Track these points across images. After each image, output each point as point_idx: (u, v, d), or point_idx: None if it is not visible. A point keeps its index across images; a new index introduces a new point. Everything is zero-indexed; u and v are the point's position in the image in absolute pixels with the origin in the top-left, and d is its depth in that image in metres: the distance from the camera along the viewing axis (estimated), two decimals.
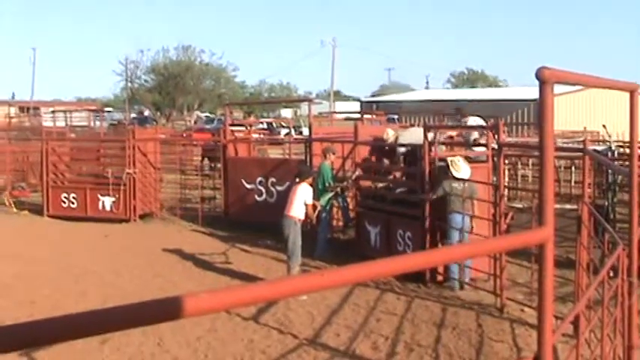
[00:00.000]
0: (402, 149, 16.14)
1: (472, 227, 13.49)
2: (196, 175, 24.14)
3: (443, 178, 13.78)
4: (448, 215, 13.66)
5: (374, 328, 11.63)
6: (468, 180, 13.60)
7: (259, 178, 19.32)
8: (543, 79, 3.20)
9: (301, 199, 14.30)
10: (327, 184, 16.64)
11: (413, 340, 11.01)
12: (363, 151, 17.05)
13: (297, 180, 14.75)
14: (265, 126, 46.25)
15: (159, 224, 21.20)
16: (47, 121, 45.70)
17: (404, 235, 14.65)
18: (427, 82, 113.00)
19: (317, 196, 15.76)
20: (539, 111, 3.24)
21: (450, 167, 13.65)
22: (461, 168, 13.64)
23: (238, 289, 2.59)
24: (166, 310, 2.40)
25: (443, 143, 14.80)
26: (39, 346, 2.10)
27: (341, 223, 18.08)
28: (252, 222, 18.78)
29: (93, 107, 67.61)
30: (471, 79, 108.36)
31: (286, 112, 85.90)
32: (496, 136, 13.47)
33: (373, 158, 17.37)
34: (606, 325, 6.27)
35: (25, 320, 2.02)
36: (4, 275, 15.06)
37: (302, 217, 14.33)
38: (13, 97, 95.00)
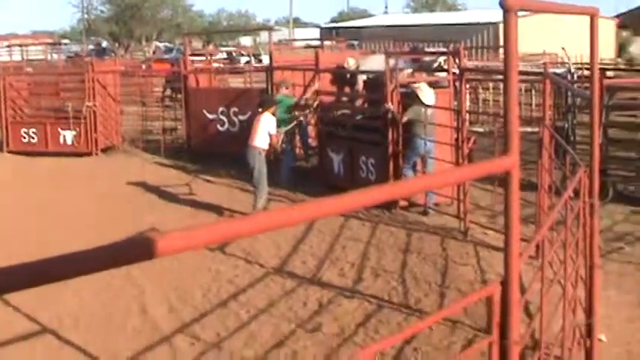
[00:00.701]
0: (363, 76, 16.11)
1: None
2: (157, 106, 23.95)
3: (411, 103, 13.76)
4: (412, 139, 13.70)
5: (340, 255, 11.76)
6: (431, 106, 13.63)
7: (221, 108, 19.21)
8: (507, 7, 3.21)
9: (265, 130, 14.34)
10: (287, 115, 16.56)
11: (379, 265, 11.15)
12: (325, 79, 17.00)
13: (260, 110, 14.75)
14: (225, 55, 45.85)
15: (121, 157, 21.07)
16: (3, 56, 44.92)
17: (367, 161, 14.69)
18: (386, 7, 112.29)
19: (278, 126, 15.70)
20: (503, 39, 3.26)
21: (417, 94, 13.63)
22: (426, 94, 13.65)
23: (211, 226, 2.61)
24: (139, 251, 2.42)
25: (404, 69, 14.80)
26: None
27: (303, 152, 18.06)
28: (215, 152, 18.71)
29: (49, 40, 66.59)
30: (430, 3, 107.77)
31: (245, 41, 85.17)
32: (457, 61, 13.49)
33: (334, 87, 17.32)
34: (569, 246, 6.38)
35: None
36: None
37: (266, 147, 14.36)
38: None
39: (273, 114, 14.76)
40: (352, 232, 12.73)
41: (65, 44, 62.47)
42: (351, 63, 16.96)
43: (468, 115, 14.34)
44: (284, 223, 2.85)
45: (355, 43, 45.49)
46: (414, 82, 14.06)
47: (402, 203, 13.69)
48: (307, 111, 17.09)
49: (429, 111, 13.59)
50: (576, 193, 6.78)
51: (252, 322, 9.78)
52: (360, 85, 16.42)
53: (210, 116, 19.52)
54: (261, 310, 10.06)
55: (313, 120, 17.22)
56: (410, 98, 13.85)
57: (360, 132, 15.14)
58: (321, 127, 16.66)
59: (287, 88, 17.10)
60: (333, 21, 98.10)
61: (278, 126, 15.22)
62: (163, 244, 2.41)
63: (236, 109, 18.92)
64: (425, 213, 13.48)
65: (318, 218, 2.51)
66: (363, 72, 16.23)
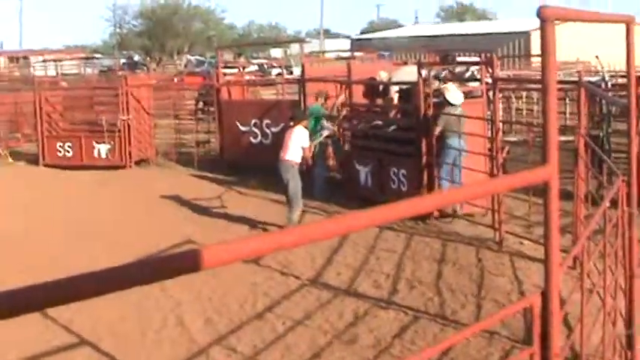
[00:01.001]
0: (396, 87, 16.06)
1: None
2: (190, 119, 24.07)
3: (440, 111, 13.76)
4: (444, 148, 13.68)
5: (374, 266, 11.74)
6: (460, 115, 13.61)
7: (254, 120, 19.28)
8: (544, 17, 3.21)
9: (297, 143, 14.28)
10: (318, 126, 16.57)
11: (414, 276, 11.13)
12: (357, 91, 16.97)
13: (292, 123, 14.75)
14: (257, 67, 46.01)
15: (155, 170, 21.19)
16: (38, 71, 45.38)
17: (398, 173, 14.66)
18: (416, 18, 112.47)
19: (311, 136, 15.72)
20: (541, 50, 3.25)
21: (445, 94, 13.65)
22: (453, 94, 13.64)
23: (254, 239, 2.63)
24: (185, 263, 2.44)
25: (437, 78, 14.76)
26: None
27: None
28: (248, 164, 18.76)
29: (82, 55, 67.16)
30: (460, 13, 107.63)
31: (276, 53, 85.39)
32: (490, 71, 13.45)
33: (367, 99, 17.27)
34: (607, 256, 6.34)
35: (30, 280, 2.05)
36: (6, 226, 15.10)
37: (299, 160, 14.35)
38: (1, 47, 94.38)
39: (306, 127, 14.70)
40: (387, 243, 12.71)
41: (98, 58, 62.90)
42: (382, 76, 16.93)
43: (501, 124, 14.29)
44: (324, 235, 2.86)
45: (386, 53, 45.49)
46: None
47: (435, 213, 13.65)
48: (334, 122, 17.09)
49: (461, 119, 13.57)
50: (613, 202, 6.75)
51: (288, 334, 9.79)
52: (393, 97, 16.37)
53: (243, 128, 19.59)
54: (297, 321, 10.07)
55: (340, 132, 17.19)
56: (440, 106, 13.85)
57: (391, 143, 15.12)
58: (347, 139, 16.69)
59: (326, 99, 17.14)
60: (363, 32, 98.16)
61: (311, 136, 15.24)
62: (208, 257, 2.43)
63: (268, 121, 18.97)
64: (454, 212, 13.47)
65: (356, 231, 2.52)
66: (395, 83, 16.20)
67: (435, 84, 14.46)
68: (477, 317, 9.56)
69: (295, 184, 14.12)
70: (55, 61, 47.06)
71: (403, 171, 14.57)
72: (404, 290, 10.69)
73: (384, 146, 15.22)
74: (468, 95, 14.22)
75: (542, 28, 3.20)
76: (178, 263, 2.46)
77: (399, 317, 9.89)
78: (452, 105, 13.63)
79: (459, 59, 16.77)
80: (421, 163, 14.06)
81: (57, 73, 42.60)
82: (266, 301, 10.80)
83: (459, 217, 13.52)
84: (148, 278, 2.47)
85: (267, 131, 19.00)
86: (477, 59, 15.96)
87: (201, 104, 26.64)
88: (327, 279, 11.44)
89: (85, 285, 2.29)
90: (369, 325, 9.77)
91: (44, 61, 48.15)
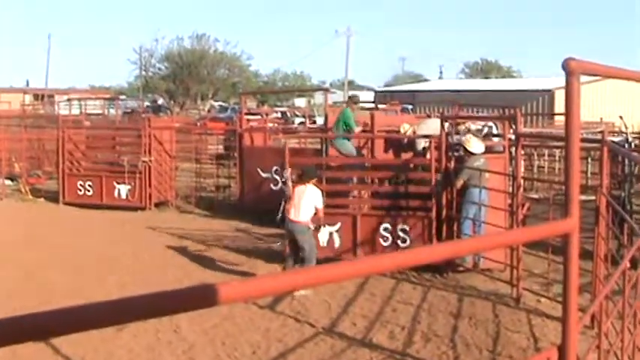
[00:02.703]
0: (423, 142, 15.83)
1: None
2: (211, 163, 24.17)
3: (463, 165, 13.76)
4: (466, 191, 13.65)
5: (390, 317, 11.66)
6: (482, 168, 13.59)
7: (275, 167, 19.33)
8: (570, 70, 3.19)
9: (311, 203, 13.51)
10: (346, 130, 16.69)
11: (430, 330, 11.04)
12: (381, 143, 16.95)
13: (301, 181, 13.87)
14: (279, 115, 46.26)
15: (174, 212, 21.26)
16: (62, 109, 45.81)
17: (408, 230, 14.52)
18: (441, 72, 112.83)
19: (337, 142, 15.91)
20: (565, 101, 3.24)
21: (465, 145, 13.65)
22: (474, 144, 13.64)
23: (269, 277, 2.62)
24: (202, 297, 2.42)
25: (458, 133, 14.77)
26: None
27: None
28: (268, 210, 18.76)
29: (107, 95, 67.81)
30: (485, 70, 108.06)
31: (300, 102, 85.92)
32: (513, 127, 13.45)
33: (391, 153, 17.17)
34: (626, 316, 6.27)
35: (44, 308, 2.04)
36: (24, 261, 15.15)
37: (310, 220, 13.60)
38: (27, 85, 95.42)
39: (317, 185, 13.85)
40: (403, 295, 12.64)
41: (122, 100, 63.45)
42: (406, 128, 16.94)
43: (522, 180, 14.26)
44: (340, 277, 2.84)
45: (410, 107, 45.70)
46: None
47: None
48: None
49: (483, 162, 13.55)
50: (633, 263, 6.69)
51: None
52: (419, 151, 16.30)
53: (263, 175, 19.64)
54: None
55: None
56: (461, 159, 13.87)
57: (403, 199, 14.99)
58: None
59: (356, 104, 17.26)
60: (387, 85, 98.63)
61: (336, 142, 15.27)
62: (225, 292, 2.41)
63: (290, 169, 18.99)
64: (475, 265, 13.42)
65: (373, 274, 2.50)
66: (419, 136, 16.18)
67: (457, 137, 14.48)
68: None
69: (311, 247, 13.39)
70: (79, 100, 47.49)
71: (418, 227, 14.46)
72: (419, 343, 10.60)
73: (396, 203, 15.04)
74: (489, 150, 14.21)
75: (568, 81, 3.19)
76: (196, 296, 2.45)
77: None
78: (473, 155, 13.60)
79: (480, 115, 16.77)
80: (440, 218, 14.05)
81: (81, 113, 43.00)
82: (279, 348, 10.72)
83: (477, 272, 13.45)
84: (168, 309, 2.46)
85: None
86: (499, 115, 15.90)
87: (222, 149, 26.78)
88: (342, 328, 11.37)
89: (105, 313, 2.28)
90: None
91: (69, 100, 48.63)
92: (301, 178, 13.96)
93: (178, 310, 2.48)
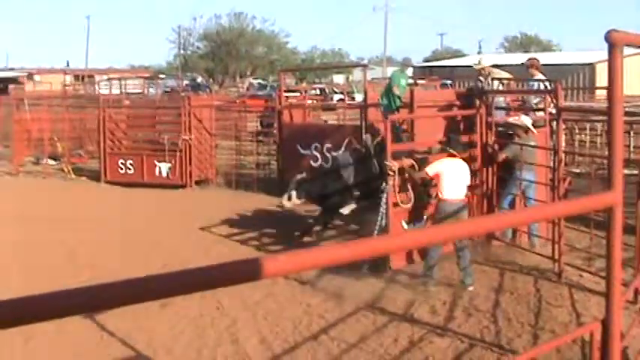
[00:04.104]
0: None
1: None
2: (251, 141, 24.25)
3: (508, 141, 13.61)
4: (508, 178, 13.55)
5: (432, 292, 11.66)
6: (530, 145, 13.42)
7: (314, 144, 19.32)
8: (613, 42, 3.17)
9: (466, 179, 12.28)
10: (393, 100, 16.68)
11: (471, 304, 11.04)
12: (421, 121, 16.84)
13: (447, 153, 12.28)
14: (318, 92, 46.23)
15: (214, 190, 21.35)
16: (103, 89, 46.12)
17: None
18: (480, 47, 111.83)
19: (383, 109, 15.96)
20: (608, 74, 3.22)
21: (516, 124, 13.42)
22: (525, 122, 13.44)
23: (317, 250, 2.65)
24: (249, 271, 2.46)
25: (501, 108, 14.66)
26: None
27: None
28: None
29: (147, 74, 68.14)
30: (525, 44, 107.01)
31: (338, 78, 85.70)
32: (555, 101, 13.34)
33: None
34: None
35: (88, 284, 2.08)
36: (67, 240, 15.34)
37: None
38: (67, 66, 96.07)
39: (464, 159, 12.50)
40: (445, 270, 12.61)
41: (162, 79, 63.71)
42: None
43: (564, 155, 14.15)
44: (386, 249, 2.86)
45: (449, 82, 45.39)
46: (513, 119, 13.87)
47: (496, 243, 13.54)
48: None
49: (529, 149, 13.38)
50: None
51: (342, 357, 9.77)
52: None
53: (303, 151, 19.64)
54: (351, 345, 10.03)
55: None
56: (507, 136, 13.75)
57: None
58: None
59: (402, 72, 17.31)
60: (426, 60, 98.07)
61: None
62: (271, 266, 2.45)
63: (329, 145, 19.00)
64: (532, 245, 13.34)
65: (418, 247, 2.48)
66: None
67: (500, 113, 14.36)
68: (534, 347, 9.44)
69: None
70: (119, 79, 47.81)
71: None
72: (460, 317, 10.61)
73: None
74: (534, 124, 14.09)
75: (610, 54, 3.17)
76: (243, 269, 2.48)
77: (455, 344, 9.82)
78: (525, 133, 13.38)
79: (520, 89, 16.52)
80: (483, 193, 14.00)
81: (121, 92, 43.30)
82: (321, 323, 10.79)
83: (517, 247, 13.39)
84: (215, 282, 2.50)
85: (328, 155, 19.01)
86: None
87: (258, 126, 26.87)
88: (383, 304, 11.38)
89: (152, 287, 2.33)
90: (424, 351, 9.71)
91: (109, 79, 48.93)
92: (446, 150, 12.37)
93: (225, 284, 2.51)
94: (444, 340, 9.98)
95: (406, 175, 12.72)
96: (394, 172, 12.35)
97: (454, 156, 12.18)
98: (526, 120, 13.50)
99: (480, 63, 15.85)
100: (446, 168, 11.91)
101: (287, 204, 14.76)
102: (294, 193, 14.65)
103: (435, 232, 2.91)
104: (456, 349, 9.68)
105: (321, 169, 16.40)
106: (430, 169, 12.01)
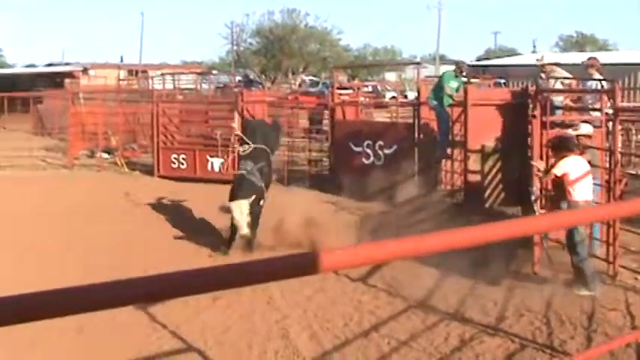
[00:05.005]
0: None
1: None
2: (303, 137, 24.24)
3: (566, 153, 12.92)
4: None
5: (483, 292, 11.58)
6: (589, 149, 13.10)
7: (367, 141, 19.30)
8: None
9: (593, 180, 11.68)
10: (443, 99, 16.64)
11: (523, 305, 10.93)
12: (474, 116, 16.74)
13: (562, 153, 11.65)
14: (370, 89, 46.11)
15: None
16: (156, 84, 46.45)
17: None
18: (534, 46, 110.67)
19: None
20: None
21: (576, 133, 12.92)
22: (584, 130, 13.10)
23: (376, 245, 2.63)
24: (306, 265, 2.45)
25: (558, 107, 14.48)
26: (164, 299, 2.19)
27: None
28: (360, 184, 18.73)
29: (199, 70, 68.45)
30: (580, 43, 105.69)
31: (390, 76, 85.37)
32: (611, 101, 13.14)
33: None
34: None
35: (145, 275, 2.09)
36: (122, 233, 15.49)
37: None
38: (122, 61, 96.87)
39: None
40: (498, 270, 12.49)
41: (214, 74, 63.98)
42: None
43: (620, 156, 13.93)
44: (448, 246, 2.82)
45: (502, 81, 45.05)
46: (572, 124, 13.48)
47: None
48: None
49: (594, 152, 12.92)
50: None
51: (393, 354, 9.74)
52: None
53: (355, 149, 19.63)
54: (402, 342, 10.00)
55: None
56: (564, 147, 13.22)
57: None
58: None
59: (461, 71, 17.22)
60: (479, 59, 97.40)
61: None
62: (328, 260, 2.43)
63: (382, 143, 18.96)
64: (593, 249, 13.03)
65: (478, 244, 2.48)
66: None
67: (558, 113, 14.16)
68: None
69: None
70: (172, 75, 48.11)
71: None
72: (512, 318, 10.52)
73: None
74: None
75: None
76: (300, 263, 2.47)
77: (506, 345, 9.74)
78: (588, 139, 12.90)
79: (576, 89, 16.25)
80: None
81: (174, 87, 43.56)
82: (372, 320, 10.77)
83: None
84: (271, 275, 2.50)
85: (380, 153, 18.99)
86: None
87: (307, 123, 26.82)
88: (434, 302, 11.33)
89: (206, 279, 2.33)
90: (475, 350, 9.65)
91: (162, 74, 49.25)
92: (562, 150, 11.74)
93: (281, 277, 2.51)
94: (495, 339, 9.92)
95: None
96: (541, 172, 11.96)
97: (576, 154, 11.70)
98: (586, 128, 13.25)
99: (542, 59, 15.69)
100: (572, 167, 11.46)
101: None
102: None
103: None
104: (506, 350, 9.61)
105: None
106: (557, 170, 11.51)
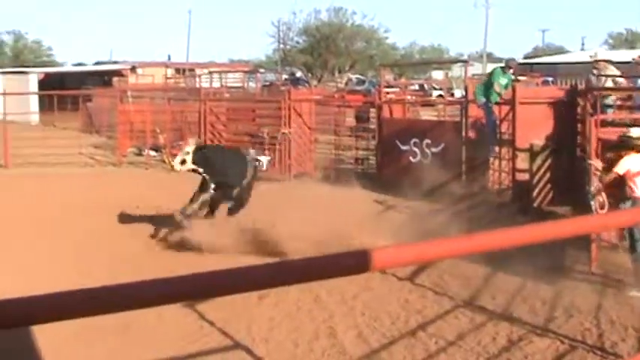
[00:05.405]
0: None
1: None
2: (349, 135, 24.21)
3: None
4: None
5: (531, 292, 11.46)
6: None
7: (414, 140, 19.22)
8: None
9: None
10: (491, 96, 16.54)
11: (572, 305, 10.79)
12: (522, 114, 16.59)
13: (622, 151, 11.45)
14: (417, 87, 45.94)
15: (313, 184, 21.33)
16: (203, 82, 46.69)
17: None
18: (583, 44, 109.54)
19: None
20: None
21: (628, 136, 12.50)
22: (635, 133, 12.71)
23: (427, 244, 2.60)
24: (355, 263, 2.43)
25: (609, 106, 14.30)
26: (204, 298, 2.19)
27: None
28: (406, 183, 18.64)
29: (246, 68, 68.70)
30: (631, 40, 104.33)
31: (437, 74, 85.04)
32: None
33: None
34: None
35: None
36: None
37: None
38: (169, 59, 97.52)
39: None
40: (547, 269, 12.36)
41: (261, 73, 64.14)
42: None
43: None
44: (500, 245, 2.79)
45: (550, 79, 44.63)
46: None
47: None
48: None
49: None
50: None
51: (440, 354, 9.69)
52: None
53: (402, 147, 19.55)
54: (449, 342, 9.94)
55: None
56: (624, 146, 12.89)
57: None
58: None
59: (510, 68, 17.17)
60: (527, 57, 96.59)
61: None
62: (378, 258, 2.41)
63: (429, 141, 18.87)
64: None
65: (525, 244, 2.44)
66: None
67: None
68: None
69: None
70: (219, 73, 48.33)
71: None
72: (561, 318, 10.39)
73: None
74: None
75: None
76: (349, 262, 2.45)
77: (555, 345, 9.63)
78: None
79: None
80: None
81: (221, 86, 43.74)
82: (418, 319, 10.72)
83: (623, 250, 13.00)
84: (320, 274, 2.48)
85: (427, 151, 18.90)
86: None
87: (353, 121, 26.76)
88: (481, 302, 11.25)
89: (258, 276, 2.32)
90: (523, 350, 9.55)
91: (209, 73, 49.47)
92: (622, 149, 11.50)
93: (333, 275, 2.49)
94: (544, 340, 9.81)
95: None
96: (600, 171, 11.68)
97: (635, 152, 11.32)
98: (637, 131, 12.95)
99: (595, 55, 15.54)
100: (634, 164, 11.20)
101: (180, 167, 15.33)
102: (189, 157, 15.15)
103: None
104: (556, 350, 9.50)
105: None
106: (619, 168, 11.24)
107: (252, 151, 17.87)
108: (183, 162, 15.07)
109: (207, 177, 15.18)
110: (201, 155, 15.26)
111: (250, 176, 15.79)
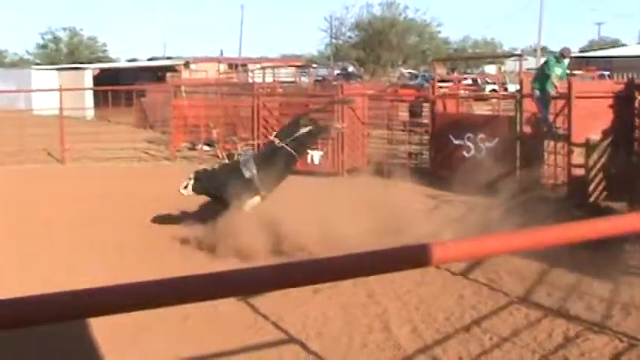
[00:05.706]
0: None
1: None
2: (402, 130, 24.11)
3: None
4: None
5: (588, 288, 11.33)
6: None
7: (468, 134, 19.09)
8: None
9: None
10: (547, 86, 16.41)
11: (631, 302, 10.65)
12: (578, 108, 16.43)
13: None
14: (470, 82, 45.68)
15: (366, 179, 21.28)
16: (256, 77, 46.87)
17: None
18: (639, 37, 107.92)
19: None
20: None
21: None
22: None
23: (487, 238, 2.58)
24: (419, 256, 2.42)
25: None
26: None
27: None
28: (460, 178, 18.52)
29: (299, 63, 68.80)
30: None
31: (490, 69, 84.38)
32: None
33: None
34: None
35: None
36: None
37: None
38: (222, 54, 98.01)
39: None
40: (606, 267, 12.21)
41: (314, 68, 64.19)
42: None
43: None
44: (553, 241, 2.75)
45: (606, 73, 44.10)
46: None
47: None
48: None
49: None
50: None
51: (494, 350, 9.62)
52: None
53: (456, 142, 19.44)
54: (504, 338, 9.87)
55: None
56: None
57: None
58: None
59: (567, 58, 17.04)
60: (582, 50, 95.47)
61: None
62: (436, 252, 2.40)
63: (483, 136, 18.74)
64: None
65: (583, 240, 2.41)
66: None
67: None
68: None
69: None
70: (272, 68, 48.48)
71: None
72: (618, 315, 10.26)
73: None
74: None
75: None
76: (413, 255, 2.45)
77: (613, 343, 9.51)
78: None
79: None
80: None
81: (274, 80, 43.87)
82: (473, 315, 10.66)
83: None
84: (383, 267, 2.48)
85: (481, 146, 18.77)
86: None
87: (406, 116, 26.64)
88: (536, 298, 11.15)
89: (312, 271, 2.32)
90: (580, 347, 9.45)
91: (262, 68, 49.65)
92: None
93: (394, 269, 2.49)
94: (601, 337, 9.69)
95: None
96: None
97: None
98: None
99: None
100: None
101: (183, 191, 15.19)
102: (190, 183, 15.14)
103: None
104: (614, 348, 9.38)
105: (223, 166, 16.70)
106: None
107: (249, 152, 17.86)
108: (186, 187, 15.21)
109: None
110: (203, 180, 15.52)
111: (250, 176, 15.82)
